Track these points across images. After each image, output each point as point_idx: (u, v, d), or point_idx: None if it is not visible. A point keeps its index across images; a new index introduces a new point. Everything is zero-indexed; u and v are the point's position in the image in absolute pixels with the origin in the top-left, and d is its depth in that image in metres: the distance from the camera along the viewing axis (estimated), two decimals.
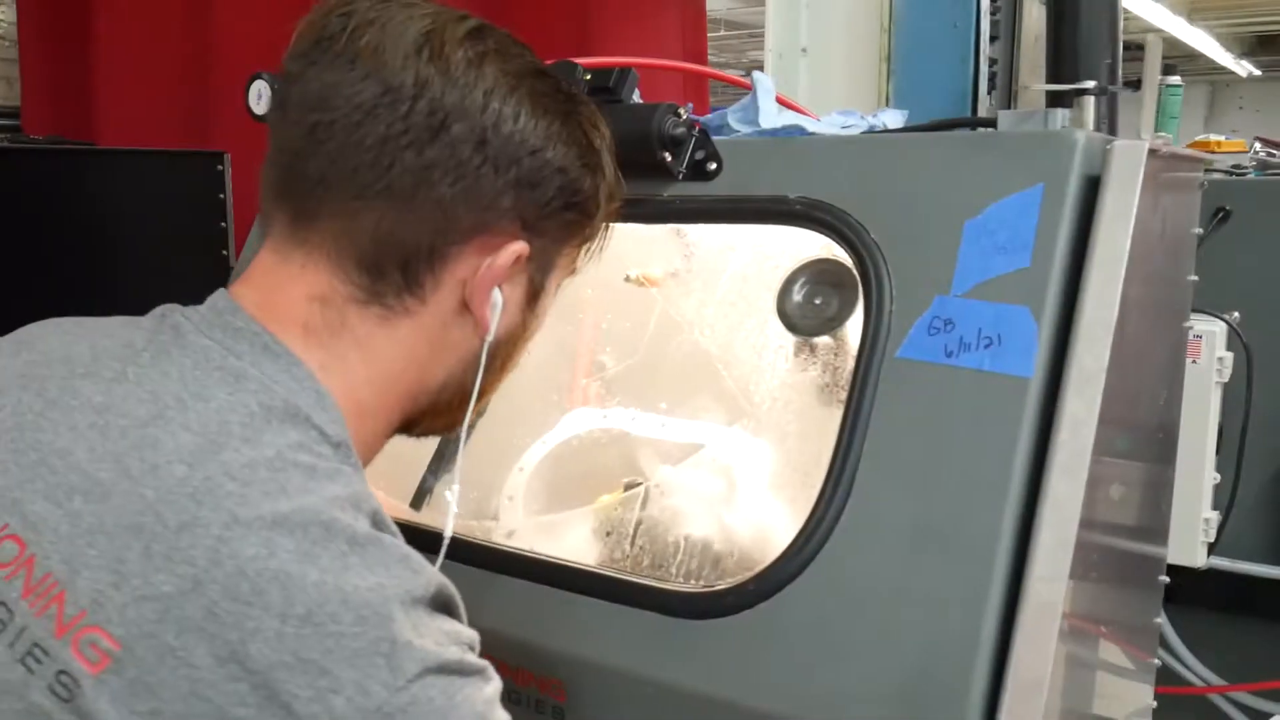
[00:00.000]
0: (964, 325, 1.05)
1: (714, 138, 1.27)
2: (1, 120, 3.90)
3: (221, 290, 0.90)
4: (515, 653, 1.17)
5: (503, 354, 0.95)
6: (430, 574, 0.79)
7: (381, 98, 0.83)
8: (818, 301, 1.27)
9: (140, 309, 0.95)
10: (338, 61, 0.84)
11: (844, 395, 1.11)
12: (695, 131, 1.26)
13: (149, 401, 0.80)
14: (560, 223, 0.92)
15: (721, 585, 1.10)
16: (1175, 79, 2.77)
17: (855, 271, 1.13)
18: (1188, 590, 1.42)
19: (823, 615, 1.03)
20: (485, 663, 0.79)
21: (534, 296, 0.95)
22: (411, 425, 0.95)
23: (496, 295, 0.90)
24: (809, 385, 1.27)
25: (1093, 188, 1.07)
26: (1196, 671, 1.78)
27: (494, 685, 0.79)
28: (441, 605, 0.79)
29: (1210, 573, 1.70)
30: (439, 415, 0.96)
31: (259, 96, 1.54)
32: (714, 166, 1.25)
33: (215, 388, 0.81)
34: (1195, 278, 1.34)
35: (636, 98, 1.32)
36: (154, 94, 3.27)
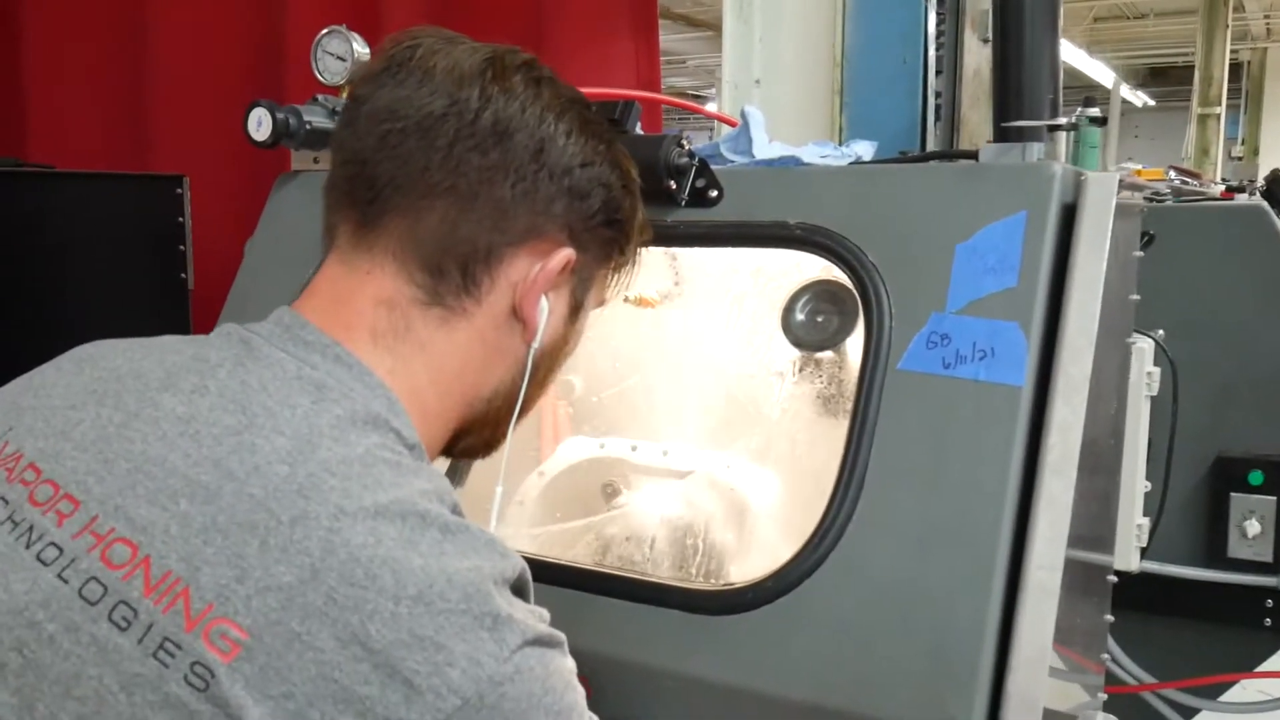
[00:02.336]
0: (959, 339, 1.15)
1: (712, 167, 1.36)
2: None
3: (284, 307, 0.95)
4: None
5: (545, 365, 1.02)
6: (515, 558, 0.85)
7: (450, 108, 0.91)
8: (820, 319, 1.36)
9: (98, 333, 0.99)
10: (408, 80, 0.92)
11: (848, 405, 1.20)
12: (696, 161, 1.35)
13: (236, 411, 0.84)
14: (601, 239, 1.00)
15: (741, 583, 1.18)
16: (1095, 110, 2.94)
17: (855, 291, 1.23)
18: (1121, 592, 1.50)
19: (839, 607, 1.11)
20: (563, 636, 0.85)
21: (575, 310, 1.02)
22: (462, 435, 1.01)
23: (544, 302, 0.97)
24: (814, 396, 1.36)
25: (1069, 214, 1.18)
26: (1131, 670, 1.90)
27: (570, 659, 0.86)
28: (521, 587, 0.85)
29: (1142, 575, 1.81)
30: (486, 425, 1.02)
31: (259, 124, 1.58)
32: (715, 194, 1.34)
33: (298, 396, 0.86)
34: (1137, 297, 1.47)
35: (639, 129, 1.41)
36: (87, 114, 3.22)
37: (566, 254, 0.96)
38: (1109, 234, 1.16)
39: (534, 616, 0.83)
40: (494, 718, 0.76)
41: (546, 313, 0.97)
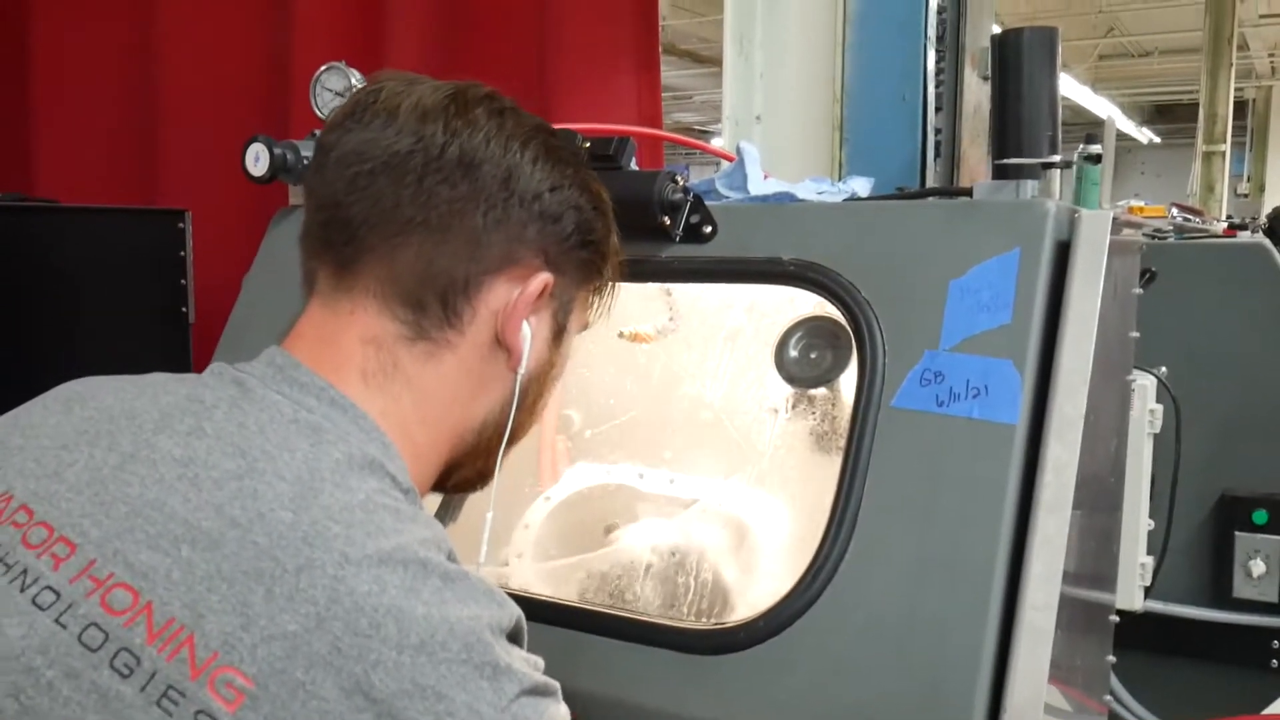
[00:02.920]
0: (953, 377, 1.15)
1: (706, 202, 1.36)
2: None
3: (274, 347, 0.95)
4: None
5: (533, 392, 1.02)
6: (511, 606, 0.84)
7: (416, 144, 0.92)
8: (813, 355, 1.36)
9: (102, 365, 0.99)
10: (373, 122, 0.93)
11: (842, 442, 1.19)
12: (690, 197, 1.35)
13: (235, 455, 0.84)
14: (577, 261, 1.00)
15: (733, 621, 1.17)
16: (1096, 147, 2.95)
17: (849, 327, 1.22)
18: (1125, 632, 1.48)
19: (833, 644, 1.10)
20: (557, 684, 0.85)
21: (558, 334, 1.02)
22: (454, 469, 1.01)
23: (526, 328, 0.97)
24: (808, 432, 1.36)
25: (1063, 251, 1.18)
26: (1135, 712, 1.87)
27: (564, 706, 0.85)
28: (516, 634, 0.85)
29: (1146, 615, 1.79)
30: (478, 456, 1.01)
31: (256, 159, 1.59)
32: (709, 230, 1.34)
33: (296, 439, 0.85)
34: (1137, 334, 1.46)
35: (633, 165, 1.41)
36: (94, 150, 3.24)
37: (544, 278, 0.96)
38: (1103, 271, 1.15)
39: (529, 665, 0.83)
40: None
41: (530, 338, 0.97)
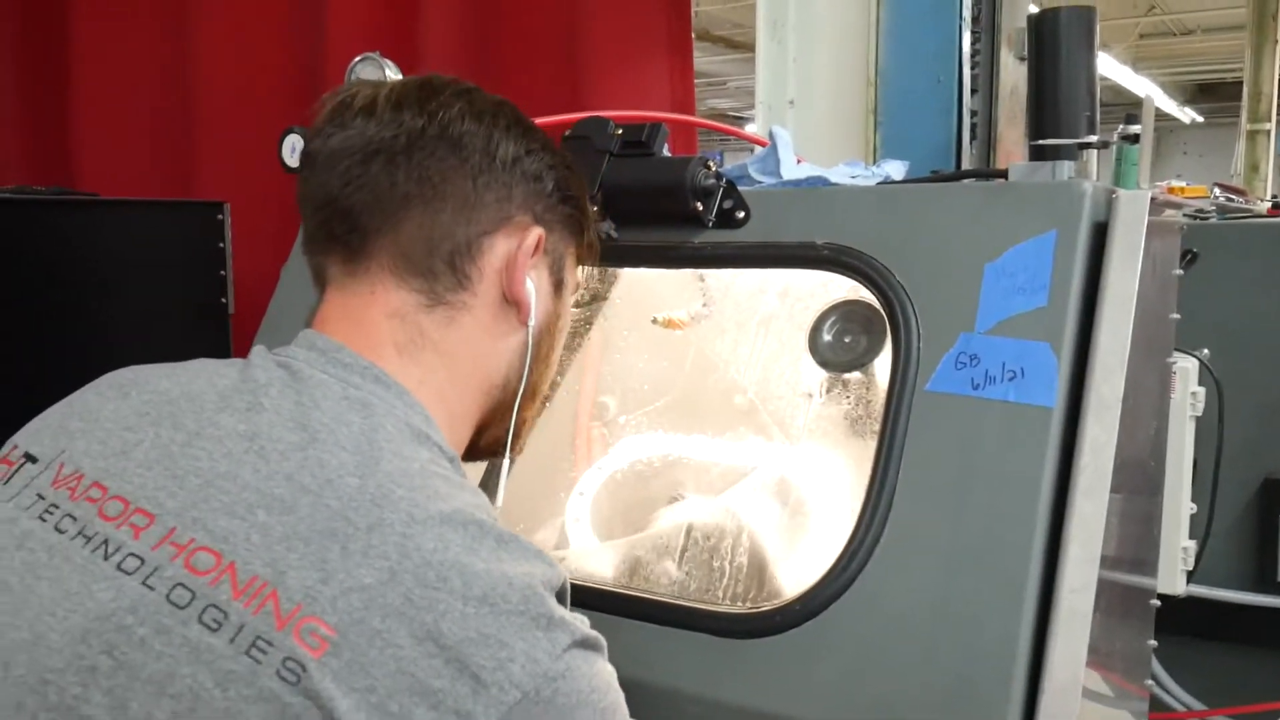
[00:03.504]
0: (988, 360, 1.14)
1: (739, 188, 1.35)
2: None
3: (309, 330, 1.00)
4: None
5: (545, 344, 1.09)
6: (559, 568, 0.90)
7: (399, 130, 0.99)
8: (847, 340, 1.36)
9: (143, 356, 1.03)
10: (354, 121, 1.01)
11: (876, 426, 1.19)
12: (723, 182, 1.35)
13: (296, 429, 0.89)
14: (562, 216, 1.08)
15: (768, 606, 1.17)
16: (1135, 127, 2.90)
17: (883, 311, 1.22)
18: (1167, 616, 1.48)
19: (867, 631, 1.10)
20: (604, 640, 0.91)
21: (557, 287, 1.10)
22: (484, 429, 1.08)
23: (529, 282, 1.04)
24: (842, 417, 1.35)
25: (1100, 233, 1.17)
26: (1178, 696, 1.86)
27: (610, 664, 0.91)
28: (561, 595, 0.90)
29: (1188, 600, 1.77)
30: (504, 413, 1.08)
31: (292, 150, 1.60)
32: (742, 215, 1.33)
33: (349, 414, 0.91)
34: (1177, 316, 1.44)
35: (665, 151, 1.41)
36: (133, 143, 3.29)
37: (537, 232, 1.04)
38: (1140, 252, 1.14)
39: (578, 621, 0.88)
40: (548, 711, 0.82)
41: (534, 292, 1.05)
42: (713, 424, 1.48)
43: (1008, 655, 1.03)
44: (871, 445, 1.17)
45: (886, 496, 1.12)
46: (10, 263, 2.32)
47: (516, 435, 1.11)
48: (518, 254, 1.03)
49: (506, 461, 1.10)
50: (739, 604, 1.30)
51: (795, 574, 1.30)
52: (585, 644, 0.86)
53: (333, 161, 1.00)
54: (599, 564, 1.41)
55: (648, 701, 1.19)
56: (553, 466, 1.55)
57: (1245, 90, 11.00)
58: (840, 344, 1.36)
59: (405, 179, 0.98)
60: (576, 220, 1.10)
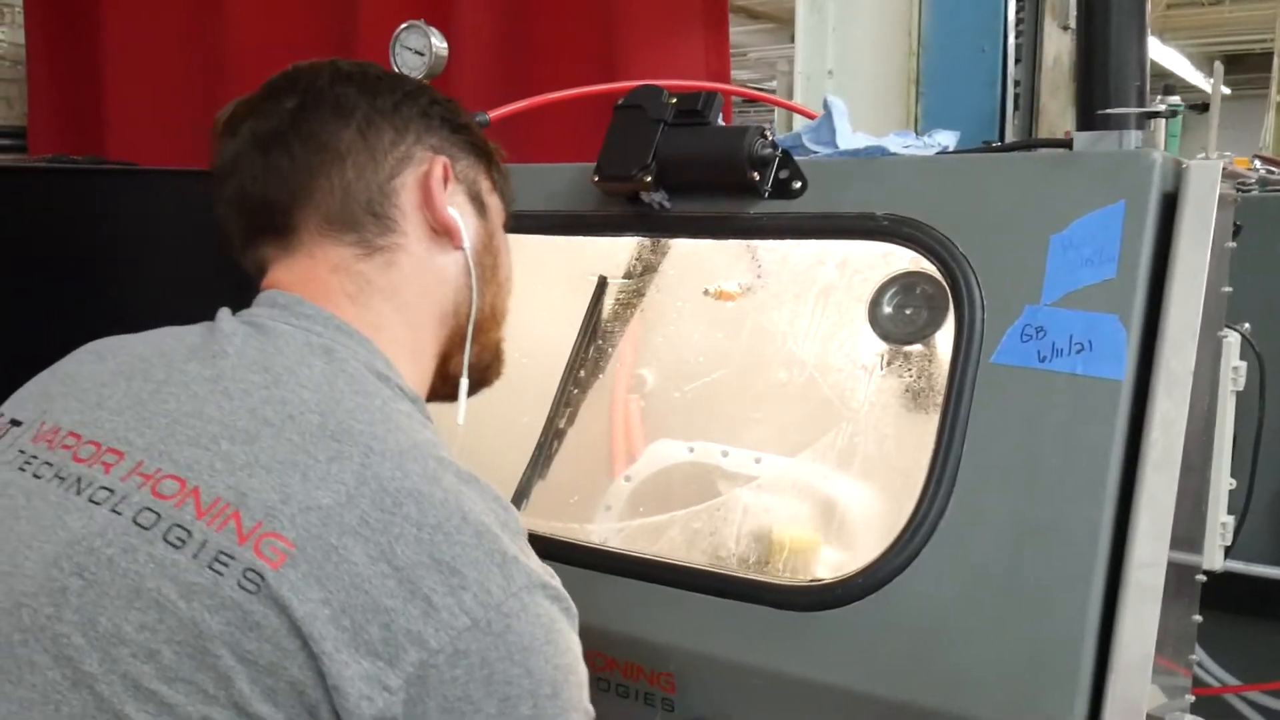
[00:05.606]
0: (1055, 332, 1.12)
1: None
2: (2, 140, 3.88)
3: (272, 290, 1.04)
4: (625, 649, 1.22)
5: (487, 263, 1.13)
6: (514, 512, 0.94)
7: (280, 114, 1.05)
8: (908, 312, 1.34)
9: (172, 321, 1.06)
10: (239, 127, 1.06)
11: (938, 399, 1.18)
12: (779, 152, 1.33)
13: (259, 370, 0.94)
14: (460, 144, 1.12)
15: (830, 579, 1.16)
16: (1176, 98, 2.86)
17: (945, 283, 1.20)
18: (1204, 592, 1.47)
19: (931, 605, 1.09)
20: (575, 609, 0.92)
21: (481, 210, 1.13)
22: (447, 360, 1.11)
23: (451, 210, 1.08)
24: (903, 390, 1.34)
25: (1170, 203, 1.15)
26: (1214, 672, 1.85)
27: (577, 637, 0.92)
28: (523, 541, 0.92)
29: (1226, 575, 1.77)
30: (464, 340, 1.11)
31: None
32: (798, 185, 1.32)
33: (312, 358, 0.96)
34: (1229, 289, 1.42)
35: (720, 121, 1.39)
36: (166, 113, 3.29)
37: (441, 160, 1.08)
38: (1212, 224, 1.12)
39: (546, 573, 0.90)
40: (498, 645, 0.84)
41: (459, 216, 1.09)
42: (768, 397, 1.46)
43: (1076, 631, 1.03)
44: (934, 418, 1.16)
45: (951, 469, 1.11)
46: (47, 230, 2.32)
47: (495, 358, 1.16)
48: (430, 184, 1.07)
49: (465, 381, 1.13)
50: (799, 577, 1.29)
51: (857, 548, 1.29)
52: (548, 593, 0.89)
53: (236, 166, 1.05)
54: (656, 536, 1.40)
55: (709, 673, 1.20)
56: (588, 445, 1.54)
57: (1276, 61, 10.84)
58: (901, 316, 1.35)
59: (302, 150, 1.04)
60: (474, 145, 1.14)
